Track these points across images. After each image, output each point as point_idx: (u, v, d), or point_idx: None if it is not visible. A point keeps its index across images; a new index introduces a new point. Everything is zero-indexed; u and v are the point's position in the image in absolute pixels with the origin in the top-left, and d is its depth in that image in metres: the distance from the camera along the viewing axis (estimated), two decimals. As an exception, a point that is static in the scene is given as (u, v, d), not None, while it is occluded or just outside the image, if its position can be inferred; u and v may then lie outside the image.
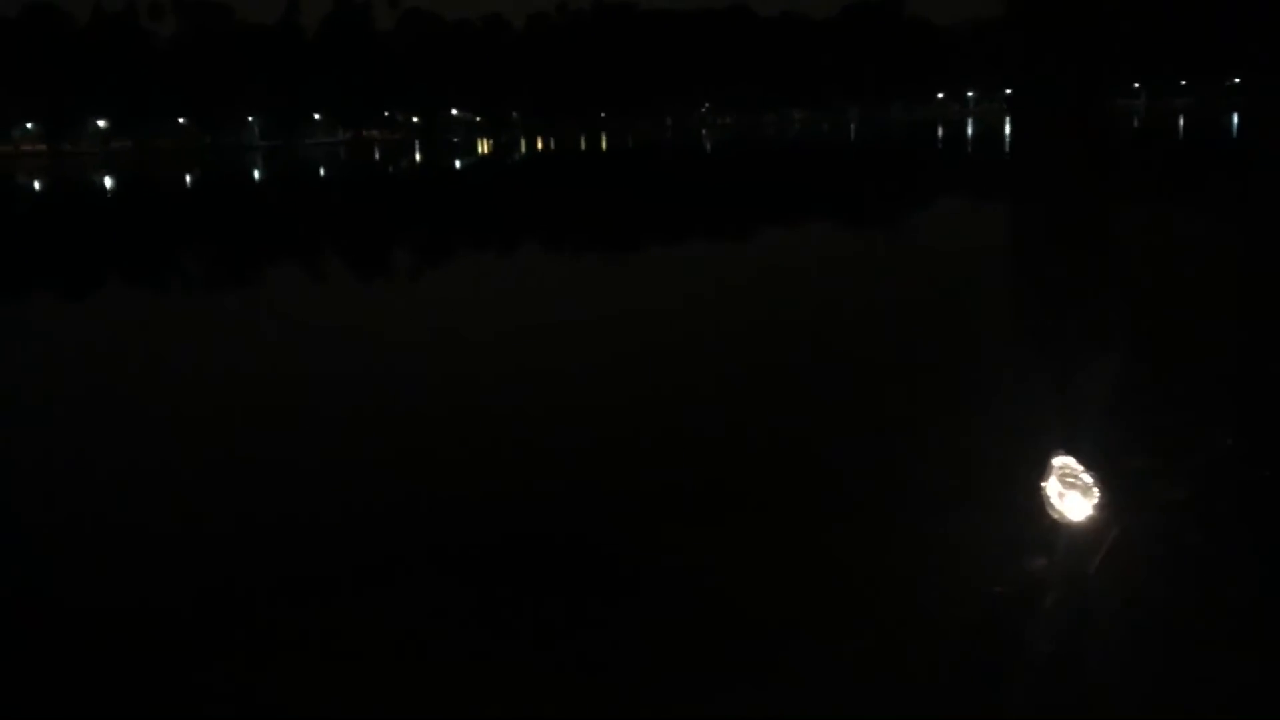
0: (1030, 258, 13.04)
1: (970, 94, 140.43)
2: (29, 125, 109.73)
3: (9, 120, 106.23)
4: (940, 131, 69.57)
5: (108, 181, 50.51)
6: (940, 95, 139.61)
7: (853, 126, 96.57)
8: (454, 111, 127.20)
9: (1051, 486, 4.23)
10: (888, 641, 3.63)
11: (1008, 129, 66.53)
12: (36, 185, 49.62)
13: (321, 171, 52.59)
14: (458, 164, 54.72)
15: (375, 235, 20.15)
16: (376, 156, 73.28)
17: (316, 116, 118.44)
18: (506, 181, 39.28)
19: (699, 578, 4.17)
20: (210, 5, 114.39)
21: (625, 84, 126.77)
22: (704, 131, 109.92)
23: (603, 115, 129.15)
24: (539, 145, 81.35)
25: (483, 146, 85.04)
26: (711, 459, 5.55)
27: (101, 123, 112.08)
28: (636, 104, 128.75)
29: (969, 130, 70.65)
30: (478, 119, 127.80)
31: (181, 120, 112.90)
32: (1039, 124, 65.04)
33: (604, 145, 76.83)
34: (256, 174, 53.07)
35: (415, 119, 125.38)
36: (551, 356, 8.17)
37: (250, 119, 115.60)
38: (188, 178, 50.91)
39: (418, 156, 69.12)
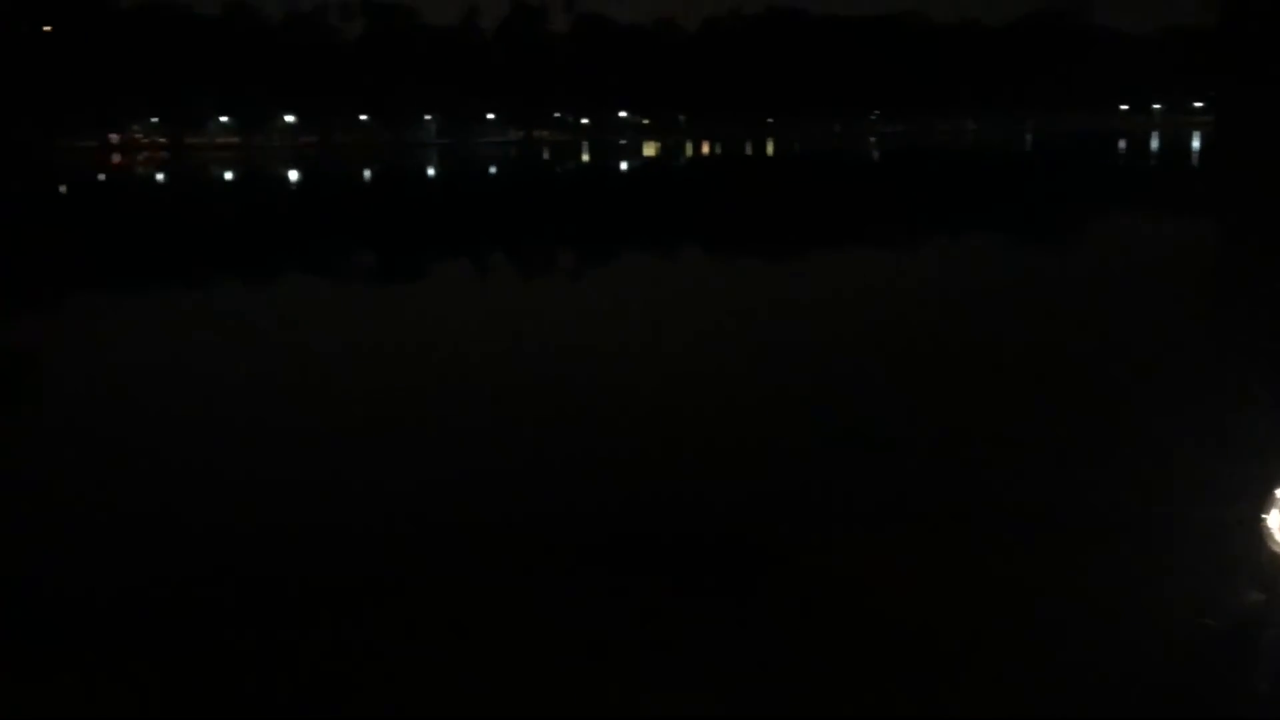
0: (1260, 277, 12.39)
1: (1157, 106, 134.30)
2: (223, 119, 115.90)
3: (205, 114, 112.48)
4: (1125, 144, 66.76)
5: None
6: (1124, 107, 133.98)
7: (1028, 137, 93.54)
8: (622, 114, 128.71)
9: (1274, 520, 4.03)
10: (1086, 670, 3.52)
11: (1198, 143, 63.31)
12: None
13: (495, 170, 53.93)
14: (624, 166, 55.32)
15: (551, 235, 20.54)
16: (545, 156, 74.72)
17: (490, 116, 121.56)
18: (675, 184, 39.49)
19: (895, 600, 4.10)
20: (395, 7, 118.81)
21: (794, 89, 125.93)
22: (872, 139, 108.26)
23: (769, 120, 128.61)
24: (704, 149, 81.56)
25: (649, 149, 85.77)
26: (913, 471, 5.46)
27: (289, 118, 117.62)
28: (804, 110, 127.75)
29: (1158, 143, 67.56)
30: (645, 122, 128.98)
31: (363, 117, 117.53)
32: (1251, 138, 61.43)
33: (770, 150, 76.47)
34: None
35: (584, 120, 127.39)
36: (759, 366, 8.19)
37: (427, 117, 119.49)
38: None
39: (585, 157, 70.17)
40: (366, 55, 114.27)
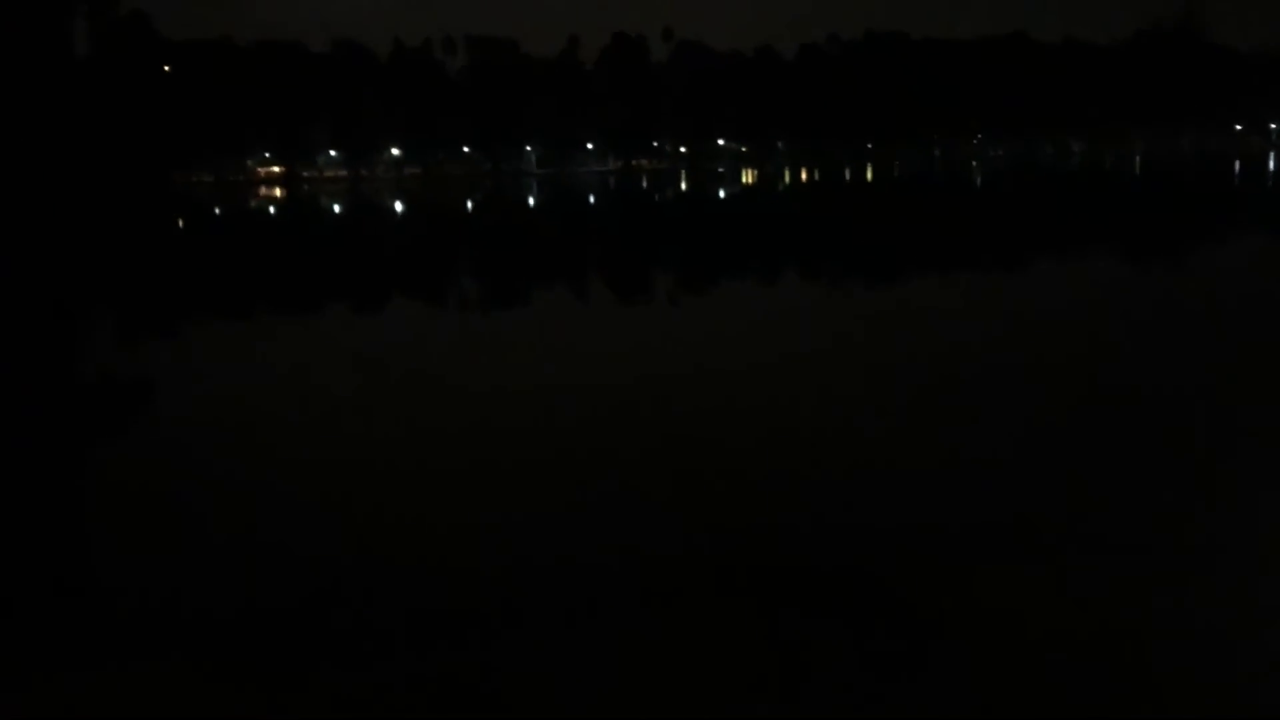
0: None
1: (1274, 125, 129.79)
2: (332, 153, 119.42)
3: (314, 147, 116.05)
4: (1241, 165, 64.62)
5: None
6: (1238, 127, 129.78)
7: (1138, 159, 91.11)
8: (720, 141, 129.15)
9: None
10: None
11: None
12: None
13: (594, 198, 54.52)
14: (722, 193, 55.43)
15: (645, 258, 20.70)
16: (644, 184, 75.29)
17: (589, 145, 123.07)
18: (775, 210, 39.44)
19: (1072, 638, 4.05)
20: (497, 40, 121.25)
21: (893, 113, 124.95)
22: (974, 163, 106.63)
23: (868, 146, 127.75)
24: (803, 175, 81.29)
25: (747, 176, 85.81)
26: (1058, 503, 5.40)
27: (395, 150, 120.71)
28: (904, 134, 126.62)
29: (1275, 164, 65.23)
30: (743, 149, 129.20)
31: (465, 149, 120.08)
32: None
33: (870, 175, 75.90)
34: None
35: (682, 149, 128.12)
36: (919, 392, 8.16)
37: (528, 148, 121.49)
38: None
39: (683, 185, 70.51)
40: (469, 88, 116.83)
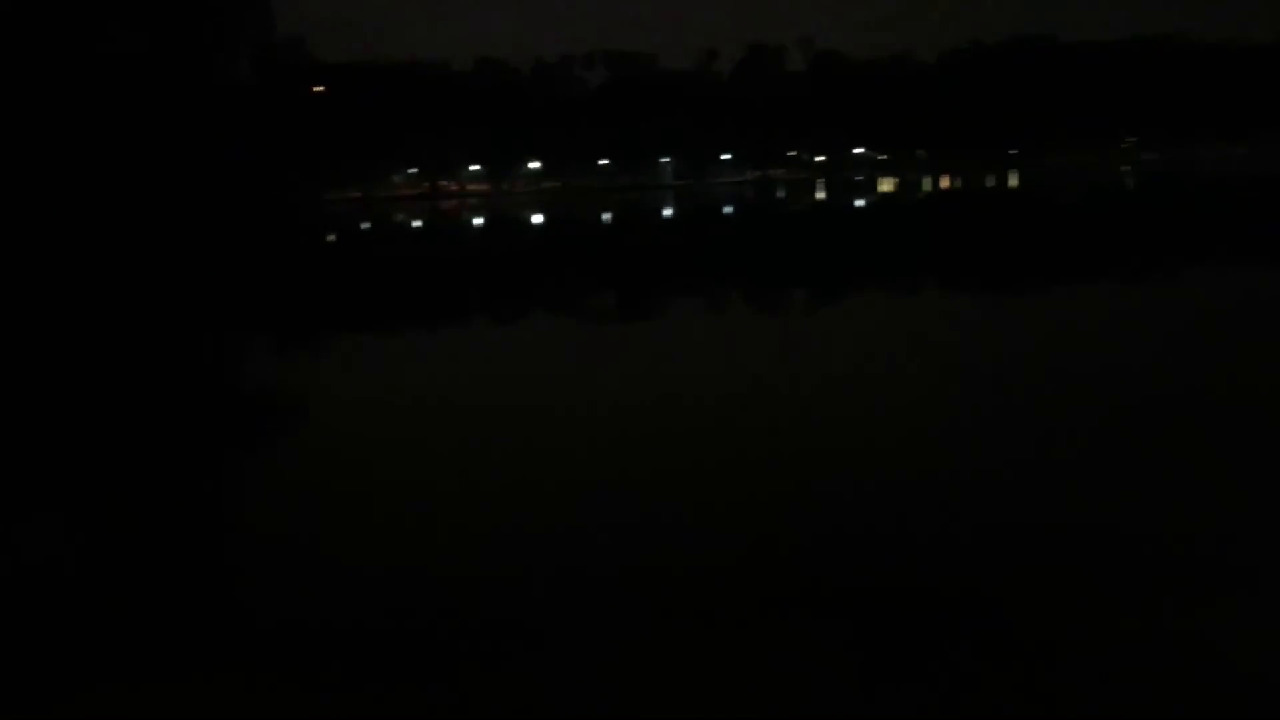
0: None
1: None
2: (473, 167, 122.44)
3: (457, 162, 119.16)
4: None
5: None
6: None
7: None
8: (858, 150, 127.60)
9: None
10: None
11: None
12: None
13: (731, 208, 54.50)
14: (860, 202, 54.77)
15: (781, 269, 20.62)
16: (780, 194, 74.89)
17: (725, 157, 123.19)
18: (917, 219, 38.80)
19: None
20: (634, 54, 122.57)
21: (1039, 118, 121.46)
22: (1125, 168, 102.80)
23: (1012, 152, 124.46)
24: (944, 183, 79.66)
25: (885, 185, 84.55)
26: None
27: (534, 164, 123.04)
28: (1051, 139, 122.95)
29: None
30: (881, 157, 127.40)
31: (602, 161, 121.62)
32: None
33: (1015, 183, 73.92)
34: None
35: (818, 158, 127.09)
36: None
37: (664, 159, 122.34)
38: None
39: (820, 195, 69.90)
40: (607, 102, 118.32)
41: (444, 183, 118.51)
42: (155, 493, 6.65)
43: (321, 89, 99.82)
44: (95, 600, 4.78)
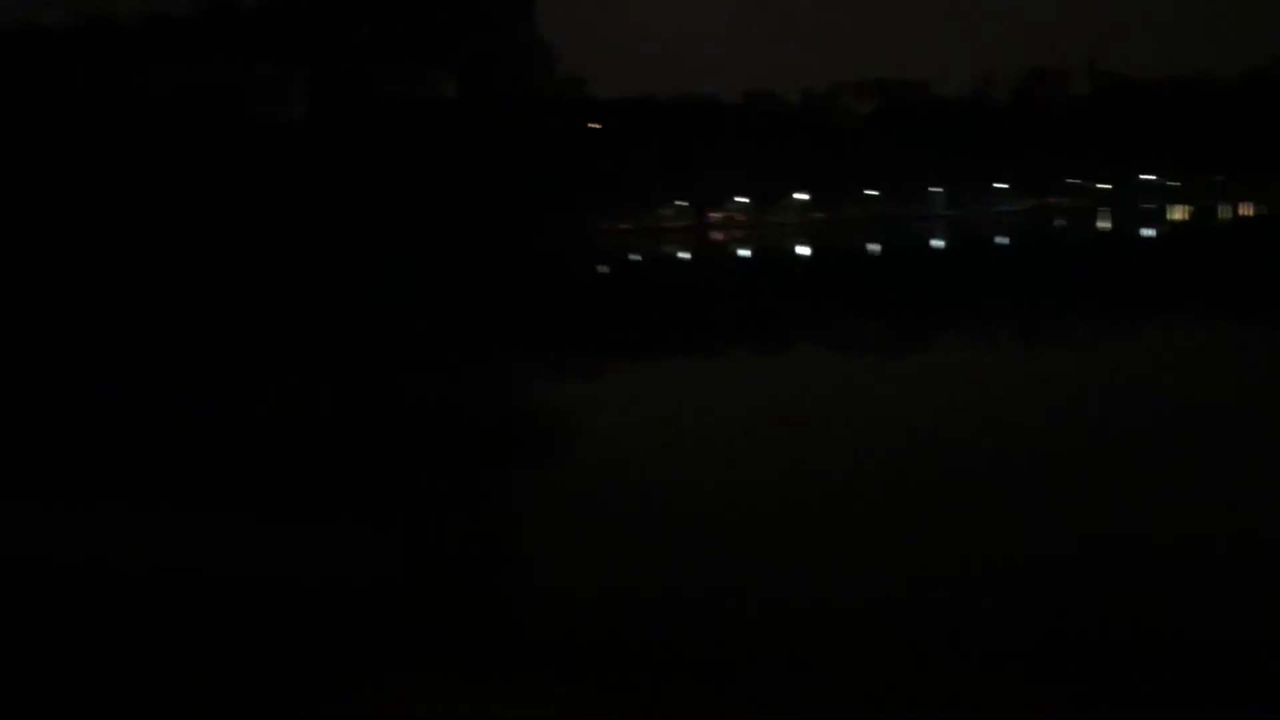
0: None
1: None
2: (739, 199, 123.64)
3: (724, 194, 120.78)
4: None
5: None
6: None
7: None
8: (1145, 176, 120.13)
9: None
10: None
11: None
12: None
13: (1001, 239, 52.58)
14: (1148, 232, 51.56)
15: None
16: (1061, 224, 71.56)
17: (999, 185, 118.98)
18: (1202, 250, 36.23)
19: None
20: (906, 82, 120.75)
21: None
22: None
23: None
24: (1242, 211, 73.81)
25: (1176, 213, 79.22)
26: None
27: (800, 195, 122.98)
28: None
29: None
30: (1172, 183, 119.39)
31: (869, 192, 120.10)
32: None
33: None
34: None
35: (1102, 185, 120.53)
36: None
37: (934, 189, 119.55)
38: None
39: (1104, 224, 66.30)
40: (876, 131, 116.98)
41: (712, 214, 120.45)
42: (467, 502, 7.22)
43: (597, 125, 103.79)
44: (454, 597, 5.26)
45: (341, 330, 21.95)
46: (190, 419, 11.46)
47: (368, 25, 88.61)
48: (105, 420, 11.41)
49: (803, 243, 63.60)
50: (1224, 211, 74.91)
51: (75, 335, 21.95)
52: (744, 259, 49.44)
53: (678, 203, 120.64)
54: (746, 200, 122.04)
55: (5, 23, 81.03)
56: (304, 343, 19.60)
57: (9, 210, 62.41)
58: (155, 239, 65.09)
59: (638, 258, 55.61)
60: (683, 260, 51.72)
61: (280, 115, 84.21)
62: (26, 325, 24.80)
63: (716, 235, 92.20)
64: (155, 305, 32.14)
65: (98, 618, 5.08)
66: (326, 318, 25.61)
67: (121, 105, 75.05)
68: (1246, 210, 74.74)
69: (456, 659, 4.52)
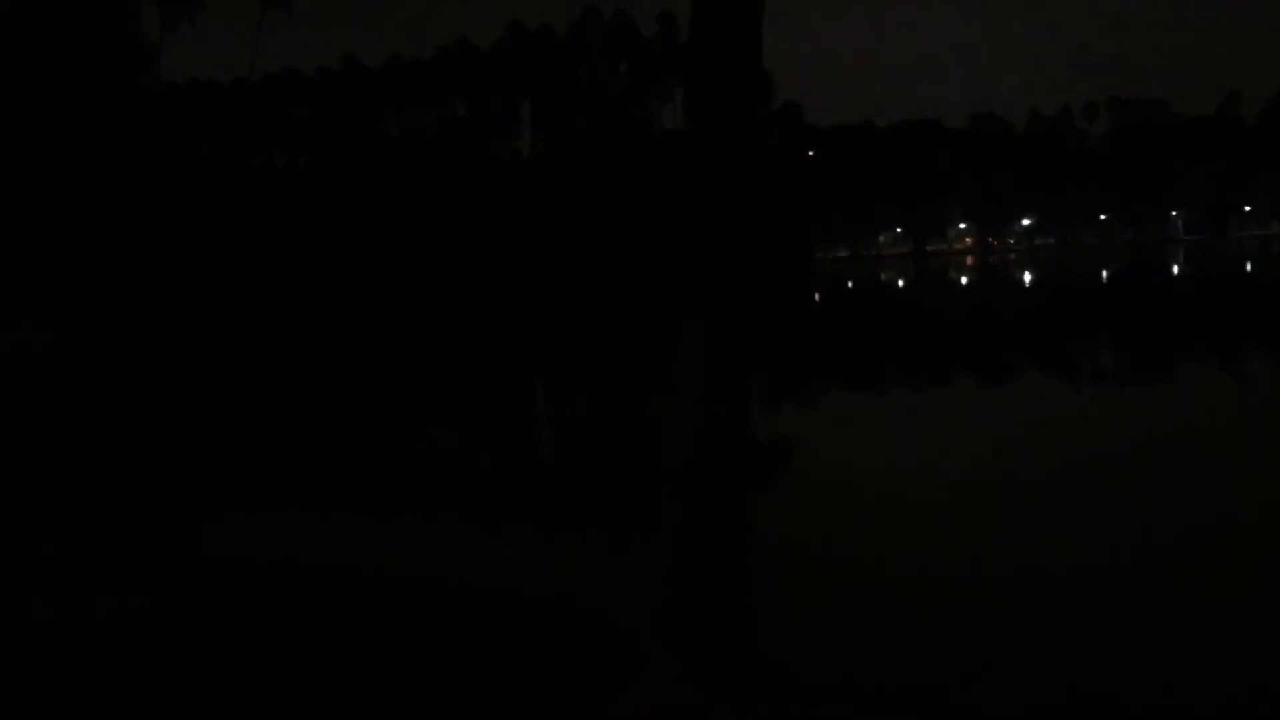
0: None
1: None
2: (962, 225, 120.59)
3: (946, 220, 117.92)
4: None
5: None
6: None
7: None
8: None
9: None
10: None
11: None
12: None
13: (1249, 265, 49.24)
14: None
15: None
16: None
17: (1247, 208, 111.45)
18: None
19: None
20: (1142, 102, 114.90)
21: None
22: None
23: None
24: None
25: None
26: None
27: (1026, 220, 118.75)
28: None
29: None
30: None
31: (1102, 216, 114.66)
32: None
33: None
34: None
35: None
36: None
37: (1172, 213, 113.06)
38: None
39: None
40: (1109, 153, 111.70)
41: (930, 242, 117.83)
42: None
43: (813, 153, 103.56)
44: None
45: (584, 359, 22.90)
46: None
47: (588, 58, 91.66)
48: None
49: (1025, 270, 61.37)
50: None
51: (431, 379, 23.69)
52: (960, 287, 48.29)
53: (896, 230, 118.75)
54: (968, 227, 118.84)
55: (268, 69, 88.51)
56: (555, 373, 20.56)
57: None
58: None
59: (851, 285, 55.15)
60: (898, 288, 50.96)
61: (507, 150, 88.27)
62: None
63: (937, 263, 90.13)
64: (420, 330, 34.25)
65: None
66: (566, 347, 26.70)
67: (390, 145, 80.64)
68: None
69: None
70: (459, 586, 5.99)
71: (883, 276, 64.21)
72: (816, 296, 46.25)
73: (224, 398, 18.46)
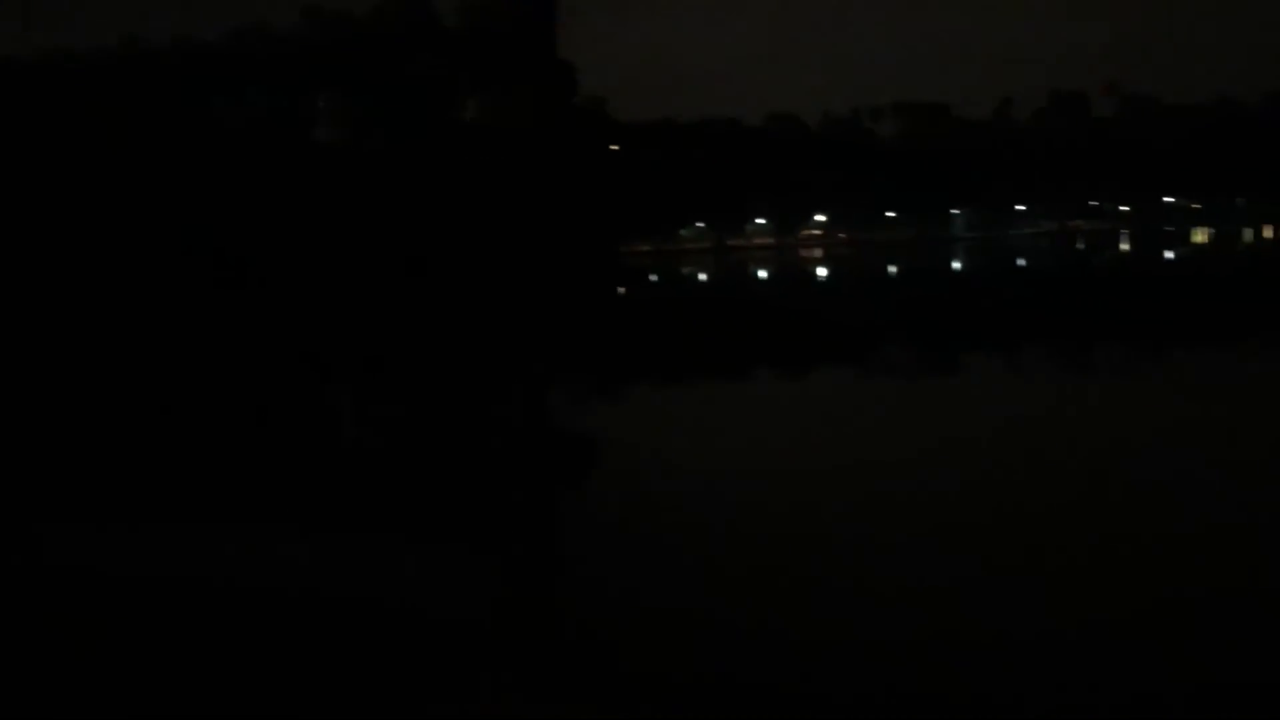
0: None
1: None
2: (759, 221, 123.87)
3: (743, 217, 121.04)
4: None
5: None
6: None
7: None
8: (1167, 199, 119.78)
9: None
10: None
11: None
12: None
13: (1022, 261, 52.54)
14: (1170, 254, 51.45)
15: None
16: (1080, 246, 71.45)
17: (1020, 208, 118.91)
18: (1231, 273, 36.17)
19: None
20: (926, 105, 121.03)
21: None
22: None
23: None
24: (1266, 234, 73.51)
25: (1198, 236, 78.96)
26: None
27: (820, 217, 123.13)
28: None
29: None
30: (1194, 206, 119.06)
31: (889, 214, 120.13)
32: None
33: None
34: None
35: (1123, 208, 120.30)
36: None
37: (954, 211, 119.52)
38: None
39: (1125, 246, 66.17)
40: (896, 154, 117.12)
41: (730, 237, 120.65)
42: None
43: (616, 147, 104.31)
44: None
45: (367, 348, 22.20)
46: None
47: (388, 47, 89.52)
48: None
49: (820, 265, 63.64)
50: (1246, 234, 74.60)
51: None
52: (759, 280, 49.59)
53: (697, 225, 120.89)
54: (765, 223, 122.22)
55: (49, 52, 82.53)
56: (327, 363, 19.84)
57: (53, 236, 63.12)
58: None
59: (655, 279, 55.85)
60: (699, 282, 51.91)
61: (302, 141, 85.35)
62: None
63: (735, 257, 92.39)
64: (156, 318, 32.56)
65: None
66: (352, 336, 25.90)
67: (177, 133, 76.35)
68: (1268, 233, 74.43)
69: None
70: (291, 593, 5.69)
71: (684, 270, 65.34)
72: (621, 290, 46.59)
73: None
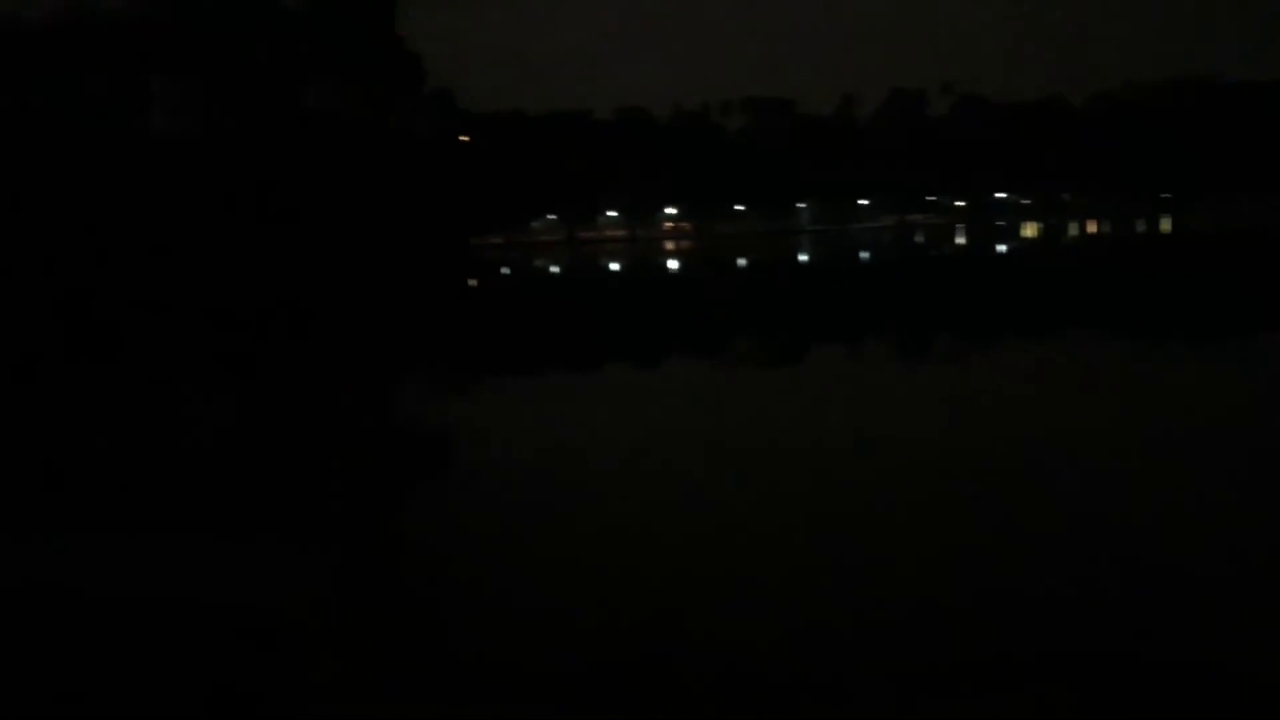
0: None
1: None
2: (610, 213, 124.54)
3: (595, 209, 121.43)
4: None
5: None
6: None
7: None
8: (1000, 195, 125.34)
9: None
10: None
11: None
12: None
13: (864, 254, 54.10)
14: (1001, 248, 53.73)
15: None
16: (918, 240, 74.02)
17: (863, 202, 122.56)
18: (1070, 267, 37.96)
19: None
20: (772, 101, 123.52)
21: (1195, 162, 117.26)
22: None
23: (1164, 197, 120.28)
24: (1091, 229, 77.52)
25: (1028, 230, 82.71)
26: None
27: (671, 210, 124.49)
28: (1209, 184, 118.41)
29: None
30: (1024, 202, 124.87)
31: (738, 207, 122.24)
32: None
33: (1167, 228, 71.43)
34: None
35: (959, 203, 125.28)
36: None
37: (800, 205, 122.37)
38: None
39: (960, 240, 68.82)
40: (745, 148, 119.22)
41: (582, 229, 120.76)
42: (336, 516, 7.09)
43: (466, 138, 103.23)
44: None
45: (213, 346, 21.32)
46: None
47: (228, 35, 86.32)
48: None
49: (671, 257, 64.22)
50: (1073, 229, 78.53)
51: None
52: (611, 273, 49.76)
53: (549, 217, 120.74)
54: (617, 215, 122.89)
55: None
56: (178, 362, 18.96)
57: None
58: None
59: (507, 271, 55.46)
60: (552, 274, 51.77)
61: (139, 129, 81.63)
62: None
63: (586, 249, 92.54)
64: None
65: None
66: (199, 333, 24.87)
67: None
68: (1092, 228, 78.50)
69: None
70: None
71: (537, 263, 65.05)
72: (473, 283, 46.06)
73: None
